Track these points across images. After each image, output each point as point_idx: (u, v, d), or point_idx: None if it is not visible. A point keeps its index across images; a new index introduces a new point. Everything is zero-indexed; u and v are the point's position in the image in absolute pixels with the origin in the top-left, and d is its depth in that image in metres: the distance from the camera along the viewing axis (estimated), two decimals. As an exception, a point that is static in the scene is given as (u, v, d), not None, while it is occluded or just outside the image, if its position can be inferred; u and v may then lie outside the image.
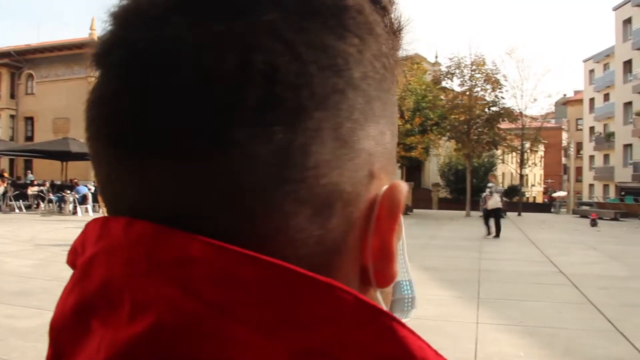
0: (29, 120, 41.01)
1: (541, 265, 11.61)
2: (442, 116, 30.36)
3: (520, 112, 33.63)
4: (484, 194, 17.37)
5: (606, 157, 50.54)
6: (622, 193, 40.70)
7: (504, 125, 33.26)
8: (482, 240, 16.23)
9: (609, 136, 48.19)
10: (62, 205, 23.31)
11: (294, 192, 0.32)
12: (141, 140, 0.32)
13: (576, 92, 68.12)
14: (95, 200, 22.26)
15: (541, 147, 49.40)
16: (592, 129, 54.68)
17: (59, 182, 27.81)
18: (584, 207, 36.63)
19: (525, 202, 44.85)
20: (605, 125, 50.90)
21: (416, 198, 33.47)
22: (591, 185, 54.29)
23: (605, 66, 52.27)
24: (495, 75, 30.47)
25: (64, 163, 28.02)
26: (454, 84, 31.68)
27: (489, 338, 5.94)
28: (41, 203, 24.60)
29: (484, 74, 30.46)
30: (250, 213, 0.32)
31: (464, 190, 32.16)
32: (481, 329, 6.30)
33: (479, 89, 30.76)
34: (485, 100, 30.62)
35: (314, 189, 0.32)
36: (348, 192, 0.34)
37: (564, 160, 68.17)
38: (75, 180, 24.35)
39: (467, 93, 30.58)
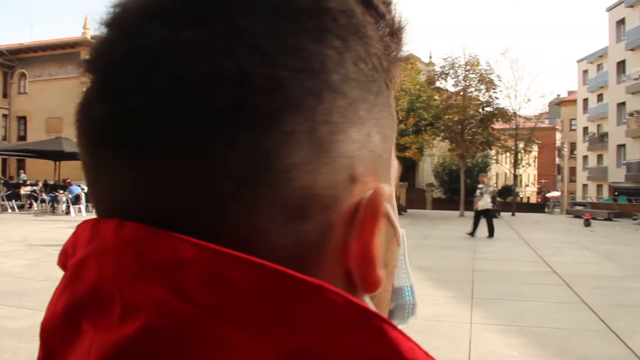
0: (22, 119, 40.82)
1: (535, 265, 11.63)
2: (436, 116, 30.39)
3: (514, 113, 33.81)
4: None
5: (600, 157, 50.69)
6: (616, 193, 40.79)
7: (498, 125, 33.33)
8: (476, 240, 16.23)
9: (603, 136, 48.35)
10: (55, 205, 23.23)
11: (266, 195, 0.32)
12: (119, 141, 0.33)
13: (570, 93, 68.28)
14: (88, 200, 22.05)
15: (535, 148, 49.64)
16: (585, 129, 54.83)
17: (52, 182, 27.68)
18: (578, 207, 36.81)
19: (519, 202, 45.01)
20: (598, 126, 51.06)
21: (410, 198, 33.55)
22: (585, 186, 54.44)
23: (599, 67, 52.45)
24: (489, 76, 30.56)
25: (57, 163, 27.87)
26: (448, 84, 31.79)
27: (482, 338, 5.94)
28: (34, 203, 24.46)
29: (478, 74, 30.54)
30: (223, 215, 0.32)
31: (458, 190, 32.27)
32: (475, 328, 6.30)
33: (473, 89, 30.86)
34: (479, 100, 30.70)
35: (287, 192, 0.32)
36: (325, 195, 0.33)
37: (557, 160, 68.43)
38: (69, 180, 24.26)
39: (461, 93, 30.65)
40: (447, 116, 30.30)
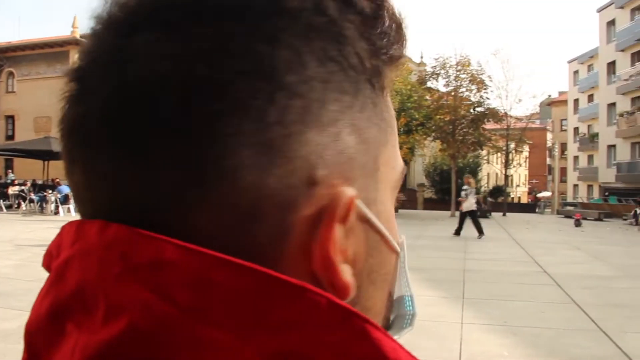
0: (10, 118, 40.43)
1: (525, 265, 11.64)
2: (427, 116, 30.41)
3: (505, 113, 33.85)
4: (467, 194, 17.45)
5: (590, 157, 50.92)
6: (606, 193, 41.01)
7: (489, 125, 33.44)
8: (467, 240, 16.23)
9: (593, 137, 48.55)
10: (44, 205, 23.07)
11: (212, 196, 0.32)
12: (80, 143, 0.35)
13: (561, 93, 68.58)
14: (77, 200, 21.91)
15: (526, 148, 49.75)
16: (576, 129, 55.07)
17: (40, 182, 27.47)
18: (568, 208, 36.95)
19: (510, 203, 45.11)
20: (589, 126, 51.27)
21: (401, 198, 33.47)
22: (575, 186, 54.69)
23: (590, 67, 52.70)
24: (481, 76, 30.62)
25: (46, 162, 27.62)
26: (439, 84, 31.83)
27: (473, 338, 5.93)
28: (22, 203, 24.25)
29: (469, 75, 30.59)
30: (170, 216, 0.33)
31: (449, 190, 32.25)
32: (466, 329, 6.29)
33: (464, 89, 30.91)
34: (470, 100, 30.76)
35: (234, 193, 0.32)
36: (279, 197, 0.33)
37: (548, 160, 68.64)
38: (57, 180, 24.07)
39: (453, 93, 30.71)
40: (438, 116, 30.34)
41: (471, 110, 30.71)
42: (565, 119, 60.52)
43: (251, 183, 0.32)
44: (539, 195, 61.60)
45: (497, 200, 42.00)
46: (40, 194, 23.74)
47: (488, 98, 31.48)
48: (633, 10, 40.61)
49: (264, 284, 0.31)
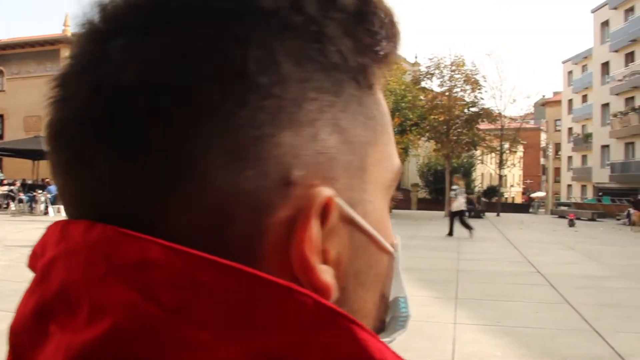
0: (-1, 117, 40.25)
1: (519, 265, 11.62)
2: (421, 116, 30.36)
3: (500, 113, 33.86)
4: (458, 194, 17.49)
5: (584, 158, 51.06)
6: (600, 194, 41.10)
7: (483, 125, 33.42)
8: (460, 240, 16.22)
9: (587, 137, 48.71)
10: (33, 205, 22.87)
11: (183, 198, 0.33)
12: (60, 147, 0.36)
13: (555, 93, 68.79)
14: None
15: (520, 148, 49.74)
16: (570, 130, 55.22)
17: (30, 182, 27.21)
18: (562, 208, 37.06)
19: (504, 203, 45.21)
20: (583, 127, 51.43)
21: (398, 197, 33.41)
22: (569, 186, 54.82)
23: (584, 68, 52.87)
24: (475, 76, 30.62)
25: (36, 162, 27.46)
26: (434, 85, 31.84)
27: (466, 338, 5.90)
28: (11, 203, 23.98)
29: (464, 75, 30.58)
30: (144, 217, 0.33)
31: (443, 190, 32.27)
32: (459, 329, 6.26)
33: (458, 89, 30.89)
34: (464, 100, 30.76)
35: (205, 195, 0.32)
36: (252, 198, 0.33)
37: (542, 161, 68.87)
38: (47, 180, 23.88)
39: (447, 93, 30.69)
40: (432, 116, 30.32)
41: (465, 111, 30.72)
42: (560, 119, 60.68)
43: (222, 185, 0.32)
44: (533, 195, 61.83)
45: (491, 200, 42.05)
46: (29, 194, 23.55)
47: (482, 98, 31.47)
48: (627, 11, 40.76)
49: (249, 284, 0.31)
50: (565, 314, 7.09)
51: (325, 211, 0.34)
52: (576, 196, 49.20)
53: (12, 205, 23.88)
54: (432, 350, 5.43)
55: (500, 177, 37.52)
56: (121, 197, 0.33)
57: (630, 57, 40.16)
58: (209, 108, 0.32)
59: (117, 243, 0.32)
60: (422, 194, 45.36)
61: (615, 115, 40.39)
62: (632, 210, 25.14)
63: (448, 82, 30.84)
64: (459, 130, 30.55)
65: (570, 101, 55.38)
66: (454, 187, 17.79)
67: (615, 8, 42.36)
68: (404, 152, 31.43)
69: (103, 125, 0.33)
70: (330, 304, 0.32)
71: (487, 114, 31.51)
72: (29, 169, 28.18)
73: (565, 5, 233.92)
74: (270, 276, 0.31)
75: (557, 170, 58.92)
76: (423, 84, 31.86)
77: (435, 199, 41.49)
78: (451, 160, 32.15)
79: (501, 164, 35.39)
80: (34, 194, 23.24)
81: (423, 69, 32.53)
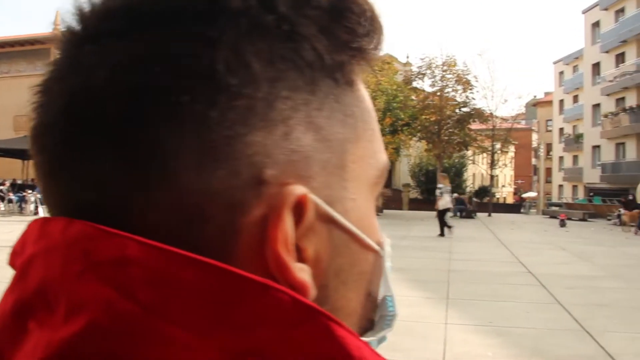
0: (-12, 117, 39.90)
1: (510, 265, 11.66)
2: (413, 116, 30.43)
3: (491, 113, 33.94)
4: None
5: (575, 158, 51.18)
6: (591, 194, 41.20)
7: (475, 126, 33.56)
8: (452, 240, 16.26)
9: (578, 137, 48.82)
10: (23, 205, 22.76)
11: (158, 198, 0.33)
12: (40, 150, 0.37)
13: (546, 94, 68.94)
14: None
15: (511, 148, 49.96)
16: (561, 130, 55.35)
17: (20, 181, 27.02)
18: (554, 208, 37.18)
19: (495, 203, 45.28)
20: (574, 127, 51.55)
21: (387, 199, 33.49)
22: (560, 186, 54.96)
23: (575, 68, 52.98)
24: (466, 76, 30.69)
25: (25, 162, 27.09)
26: (425, 85, 31.96)
27: (457, 338, 5.91)
28: (1, 203, 23.71)
29: (455, 75, 30.66)
30: (121, 216, 0.33)
31: (435, 190, 32.26)
32: (450, 329, 6.26)
33: (450, 89, 31.04)
34: (456, 100, 30.88)
35: (179, 195, 0.33)
36: (224, 198, 0.33)
37: (534, 161, 69.11)
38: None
39: (438, 93, 30.85)
40: (424, 116, 30.44)
41: (457, 111, 30.85)
42: (551, 120, 60.81)
43: (196, 185, 0.33)
44: (525, 195, 62.03)
45: (483, 200, 42.08)
46: (19, 194, 23.42)
47: (474, 98, 31.66)
48: (617, 12, 40.89)
49: (227, 282, 0.31)
50: (556, 314, 7.11)
51: (299, 209, 0.34)
52: (567, 196, 49.34)
53: (2, 206, 23.66)
54: (423, 351, 5.44)
55: (492, 177, 37.61)
56: (99, 198, 0.34)
57: (620, 58, 40.32)
58: (179, 109, 0.32)
59: (95, 240, 0.32)
60: (414, 194, 45.34)
61: (606, 116, 40.53)
62: (622, 211, 25.24)
63: (440, 82, 31.06)
64: (450, 130, 30.69)
65: (561, 101, 55.52)
66: (440, 185, 18.00)
67: (606, 9, 42.52)
68: (395, 152, 31.49)
69: (78, 129, 0.34)
70: (308, 301, 0.32)
71: (479, 114, 31.68)
72: (19, 168, 27.97)
73: (556, 6, 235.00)
74: (247, 273, 0.31)
75: (549, 171, 59.16)
76: (415, 84, 32.01)
77: (427, 199, 41.39)
78: (443, 160, 32.30)
79: (493, 164, 35.48)
80: (24, 193, 23.10)
81: (415, 69, 32.68)
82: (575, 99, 51.19)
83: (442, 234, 17.45)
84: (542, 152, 46.46)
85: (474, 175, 56.04)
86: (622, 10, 40.33)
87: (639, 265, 11.77)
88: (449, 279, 9.57)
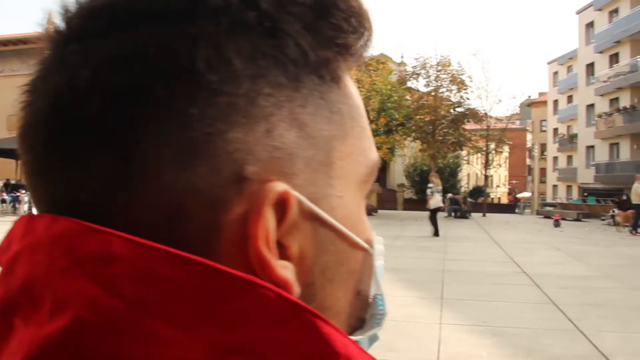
0: (-19, 116, 39.71)
1: (504, 265, 11.63)
2: (407, 116, 30.43)
3: (485, 113, 33.93)
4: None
5: (569, 158, 51.39)
6: (585, 194, 41.28)
7: (469, 126, 33.57)
8: (446, 240, 16.24)
9: (572, 138, 48.99)
10: (17, 205, 22.58)
11: (139, 196, 0.33)
12: (34, 148, 0.37)
13: (540, 94, 69.19)
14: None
15: (506, 148, 50.03)
16: (555, 130, 55.58)
17: (13, 181, 26.67)
18: (548, 208, 37.11)
19: (490, 203, 45.26)
20: (568, 127, 51.75)
21: (381, 199, 33.45)
22: (555, 186, 55.17)
23: (569, 68, 53.19)
24: (461, 76, 30.72)
25: (19, 162, 26.88)
26: (420, 85, 31.93)
27: (452, 338, 5.88)
28: (-6, 203, 23.71)
29: (450, 75, 30.68)
30: (103, 215, 0.33)
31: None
32: (444, 329, 6.24)
33: (444, 89, 31.02)
34: (450, 100, 30.88)
35: (159, 193, 0.33)
36: (205, 195, 0.33)
37: (528, 161, 69.16)
38: (32, 180, 23.47)
39: (433, 93, 30.81)
40: (418, 116, 30.41)
41: (451, 111, 30.84)
42: (545, 120, 61.09)
43: (177, 182, 0.33)
44: (519, 195, 62.01)
45: (477, 200, 42.10)
46: (13, 194, 23.27)
47: (468, 98, 31.63)
48: (611, 13, 41.01)
49: (212, 278, 0.31)
50: (550, 314, 7.10)
51: (282, 206, 0.34)
52: (562, 196, 49.47)
53: (-5, 206, 23.57)
54: (417, 351, 5.43)
55: (486, 177, 37.57)
56: (84, 196, 0.34)
57: (614, 59, 40.44)
58: (161, 107, 0.33)
59: (80, 236, 0.32)
60: (409, 194, 45.33)
61: (600, 116, 40.62)
62: (616, 211, 25.26)
63: (434, 82, 31.01)
64: (445, 130, 30.68)
65: (555, 102, 55.73)
66: (430, 185, 17.91)
67: (600, 9, 42.63)
68: (390, 152, 31.50)
69: (63, 128, 0.34)
70: (293, 298, 0.32)
71: (473, 114, 31.67)
72: (12, 168, 27.70)
73: (550, 7, 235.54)
74: (233, 270, 0.31)
75: (543, 171, 59.23)
76: (409, 84, 31.99)
77: (422, 199, 41.23)
78: (437, 160, 32.27)
79: (487, 165, 35.46)
80: (18, 194, 22.91)
81: (409, 68, 32.65)
82: (570, 99, 51.40)
83: (436, 234, 17.45)
84: (536, 152, 46.40)
85: (468, 175, 56.10)
86: (616, 11, 40.45)
87: (633, 266, 11.78)
88: (443, 279, 9.53)
